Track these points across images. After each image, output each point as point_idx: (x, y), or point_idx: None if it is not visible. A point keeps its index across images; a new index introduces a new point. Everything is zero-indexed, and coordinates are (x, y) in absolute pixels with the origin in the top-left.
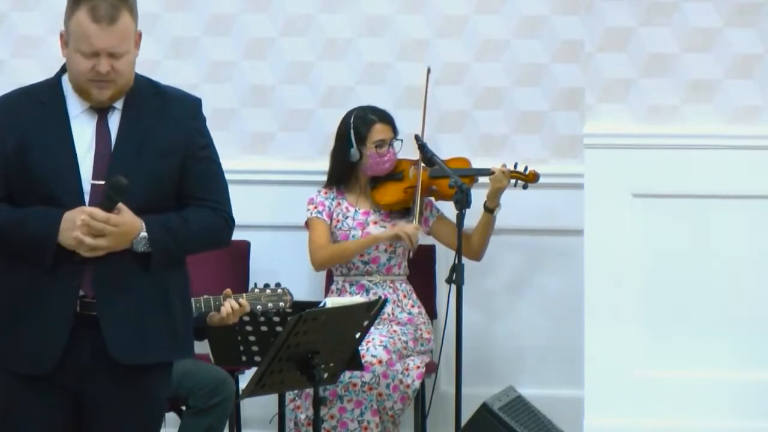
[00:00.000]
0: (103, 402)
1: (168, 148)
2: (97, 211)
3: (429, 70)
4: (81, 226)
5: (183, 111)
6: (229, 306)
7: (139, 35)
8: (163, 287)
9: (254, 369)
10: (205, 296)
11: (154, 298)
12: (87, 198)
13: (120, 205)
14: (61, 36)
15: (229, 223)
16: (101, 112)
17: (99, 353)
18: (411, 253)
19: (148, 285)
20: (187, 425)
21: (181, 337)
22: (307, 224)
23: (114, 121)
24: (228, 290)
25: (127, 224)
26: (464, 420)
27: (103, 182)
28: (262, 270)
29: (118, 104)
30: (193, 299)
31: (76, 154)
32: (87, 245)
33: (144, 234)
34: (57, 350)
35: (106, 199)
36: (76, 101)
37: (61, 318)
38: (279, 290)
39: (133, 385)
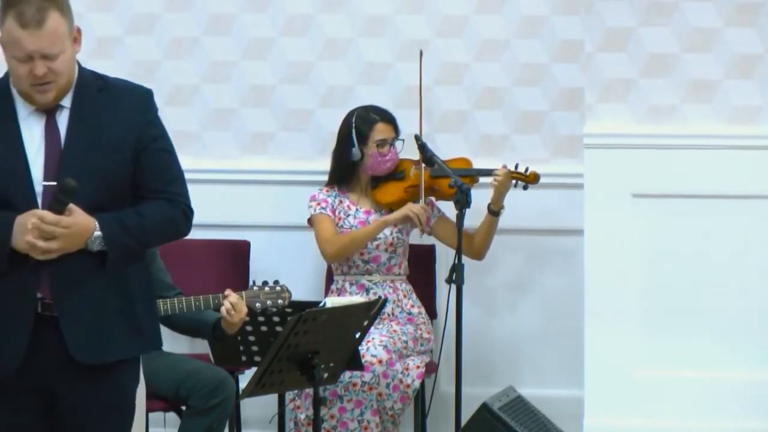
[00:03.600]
0: (73, 402)
1: (119, 143)
2: (47, 214)
3: (421, 53)
4: (32, 230)
5: (133, 104)
6: (229, 303)
7: (78, 31)
8: (123, 283)
9: (254, 369)
10: (204, 295)
11: (113, 296)
12: (39, 200)
13: (71, 206)
14: (2, 43)
15: (188, 214)
16: (49, 112)
17: (63, 353)
18: (422, 233)
19: (107, 283)
20: (187, 425)
21: (145, 331)
22: (311, 221)
23: (63, 120)
24: (228, 290)
25: (79, 225)
26: (464, 420)
27: (54, 183)
28: (262, 270)
29: (67, 102)
30: (192, 298)
31: (26, 156)
32: (39, 249)
33: (98, 233)
34: (19, 352)
35: (55, 202)
36: (24, 103)
37: (21, 321)
38: (277, 288)
39: (101, 382)
